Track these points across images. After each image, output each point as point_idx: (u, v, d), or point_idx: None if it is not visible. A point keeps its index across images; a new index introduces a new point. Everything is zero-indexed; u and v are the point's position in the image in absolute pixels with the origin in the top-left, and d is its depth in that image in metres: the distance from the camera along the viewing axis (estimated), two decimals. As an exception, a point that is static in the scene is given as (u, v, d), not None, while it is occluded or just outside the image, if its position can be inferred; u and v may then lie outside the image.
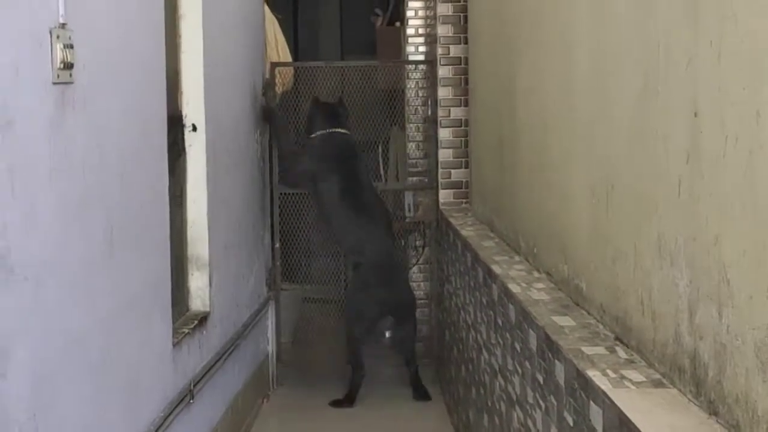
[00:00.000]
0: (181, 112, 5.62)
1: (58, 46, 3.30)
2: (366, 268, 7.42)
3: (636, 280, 3.05)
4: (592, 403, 2.85)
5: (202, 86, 5.69)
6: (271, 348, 7.99)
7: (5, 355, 2.91)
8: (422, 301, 8.74)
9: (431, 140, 8.21)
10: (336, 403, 7.34)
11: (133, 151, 4.25)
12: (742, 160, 2.25)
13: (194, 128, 5.67)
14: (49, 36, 3.27)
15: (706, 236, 2.45)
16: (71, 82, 3.44)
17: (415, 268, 8.76)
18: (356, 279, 7.58)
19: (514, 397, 4.23)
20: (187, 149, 5.66)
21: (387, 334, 7.29)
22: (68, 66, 3.38)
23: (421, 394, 7.52)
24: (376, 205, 7.65)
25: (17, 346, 2.99)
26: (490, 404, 5.00)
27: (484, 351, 5.20)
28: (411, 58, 8.76)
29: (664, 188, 2.76)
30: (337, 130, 7.75)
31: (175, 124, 5.45)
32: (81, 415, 3.58)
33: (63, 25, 3.34)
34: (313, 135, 7.78)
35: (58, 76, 3.32)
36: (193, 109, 5.68)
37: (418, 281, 8.79)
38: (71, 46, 3.38)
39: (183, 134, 5.63)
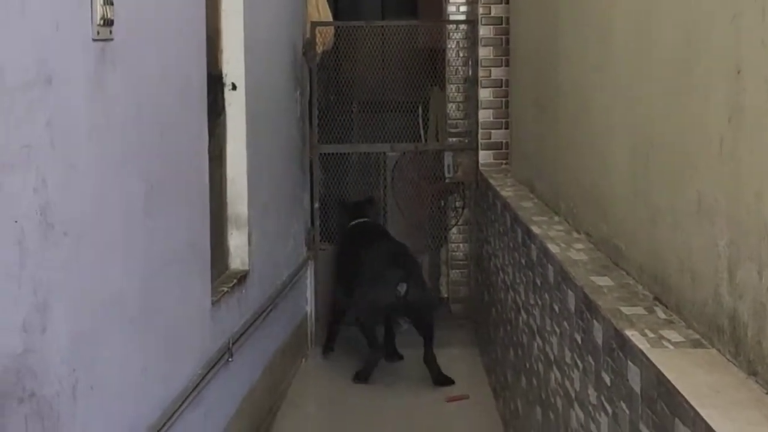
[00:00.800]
0: (221, 70, 5.62)
1: (99, 3, 3.30)
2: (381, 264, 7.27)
3: (675, 239, 3.03)
4: (630, 363, 2.84)
5: (242, 45, 5.68)
6: (309, 308, 8.02)
7: (45, 310, 2.93)
8: (461, 263, 8.75)
9: (471, 101, 8.18)
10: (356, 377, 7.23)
11: (172, 109, 4.25)
12: (785, 117, 2.22)
13: (234, 87, 5.67)
14: (88, -8, 3.27)
15: (747, 195, 2.43)
16: (111, 39, 3.44)
17: (454, 229, 8.76)
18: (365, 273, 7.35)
19: (552, 358, 4.22)
20: (226, 108, 5.67)
21: (402, 289, 6.98)
22: (108, 23, 3.38)
23: (441, 379, 7.16)
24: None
25: (57, 301, 3.01)
26: (528, 365, 4.99)
27: (522, 312, 5.19)
28: (452, 17, 8.71)
29: (705, 147, 2.73)
30: (363, 220, 8.09)
31: (215, 82, 5.46)
32: (120, 371, 3.60)
33: (103, -18, 3.34)
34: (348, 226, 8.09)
35: (98, 33, 3.32)
36: (233, 67, 5.68)
37: (457, 242, 8.79)
38: (111, 3, 3.37)
39: (223, 93, 5.64)
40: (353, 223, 8.05)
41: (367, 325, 7.20)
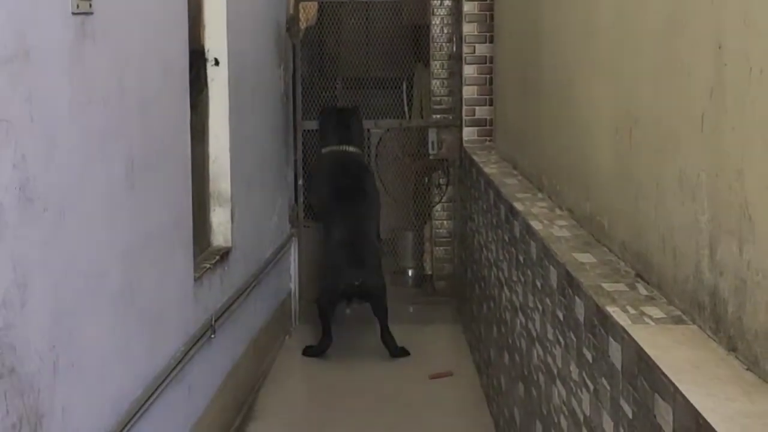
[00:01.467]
0: (203, 46, 5.60)
1: (78, -24, 3.28)
2: (337, 250, 7.36)
3: (658, 216, 3.03)
4: (611, 339, 2.84)
5: (225, 20, 5.65)
6: (293, 285, 8.01)
7: (24, 286, 2.91)
8: (445, 239, 8.75)
9: (456, 77, 8.16)
10: (306, 350, 7.34)
11: (154, 84, 4.23)
12: (766, 93, 2.21)
13: (217, 62, 5.65)
14: (68, -35, 3.24)
15: (729, 171, 2.42)
16: (91, 13, 3.41)
17: (438, 206, 8.75)
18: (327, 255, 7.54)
19: (534, 334, 4.23)
20: (209, 84, 5.64)
21: (357, 282, 7.15)
22: (88, -4, 3.36)
23: (397, 351, 7.29)
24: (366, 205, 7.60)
25: (36, 277, 2.99)
26: (510, 342, 5.00)
27: (505, 288, 5.19)
28: (437, -7, 8.68)
29: (687, 123, 2.73)
30: (344, 148, 7.82)
31: (198, 58, 5.43)
32: (101, 348, 3.59)
33: (82, -45, 3.32)
34: (323, 150, 7.90)
35: (78, 6, 3.30)
36: (216, 43, 5.65)
37: (441, 219, 8.78)
38: (91, -23, 3.35)
39: (205, 69, 5.61)
40: (331, 149, 7.83)
41: (324, 308, 7.28)
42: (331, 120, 8.00)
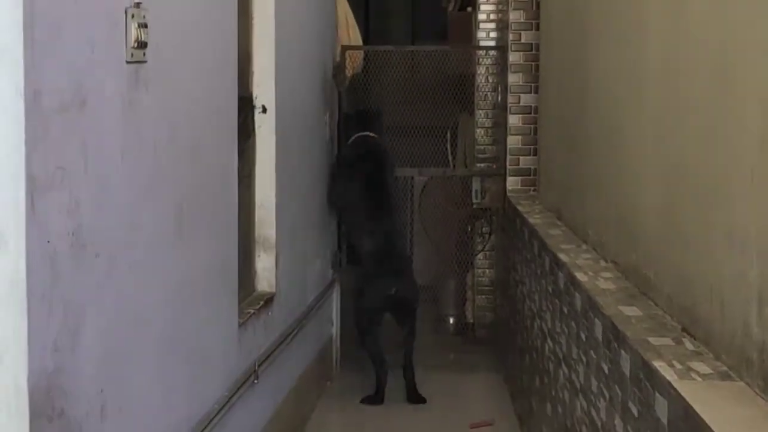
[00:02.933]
0: (251, 93, 5.65)
1: (133, 26, 3.33)
2: (371, 261, 7.41)
3: (705, 270, 3.02)
4: (657, 394, 2.83)
5: (273, 68, 5.71)
6: (334, 330, 8.02)
7: (76, 330, 2.95)
8: (487, 288, 8.75)
9: (500, 127, 8.18)
10: (366, 400, 7.26)
11: (203, 131, 4.28)
12: (817, 151, 2.21)
13: (264, 110, 5.70)
14: (124, 15, 3.29)
15: (779, 227, 2.42)
16: (144, 62, 3.46)
17: (480, 255, 8.75)
18: (360, 274, 7.60)
19: (578, 386, 4.21)
20: (256, 130, 5.69)
21: (392, 291, 7.21)
22: (142, 45, 3.40)
23: (414, 398, 7.28)
24: (392, 209, 7.65)
25: (87, 322, 3.03)
26: (553, 393, 4.98)
27: (548, 339, 5.18)
28: (482, 43, 8.74)
29: (737, 177, 2.73)
30: (368, 134, 7.85)
31: (246, 105, 5.48)
32: (147, 391, 3.62)
33: (138, 4, 3.37)
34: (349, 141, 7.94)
35: (132, 56, 3.35)
36: (264, 90, 5.71)
37: (483, 268, 8.79)
38: (145, 26, 3.40)
39: (253, 115, 5.66)
40: (356, 136, 7.87)
41: (367, 329, 7.31)
42: (354, 117, 8.06)
